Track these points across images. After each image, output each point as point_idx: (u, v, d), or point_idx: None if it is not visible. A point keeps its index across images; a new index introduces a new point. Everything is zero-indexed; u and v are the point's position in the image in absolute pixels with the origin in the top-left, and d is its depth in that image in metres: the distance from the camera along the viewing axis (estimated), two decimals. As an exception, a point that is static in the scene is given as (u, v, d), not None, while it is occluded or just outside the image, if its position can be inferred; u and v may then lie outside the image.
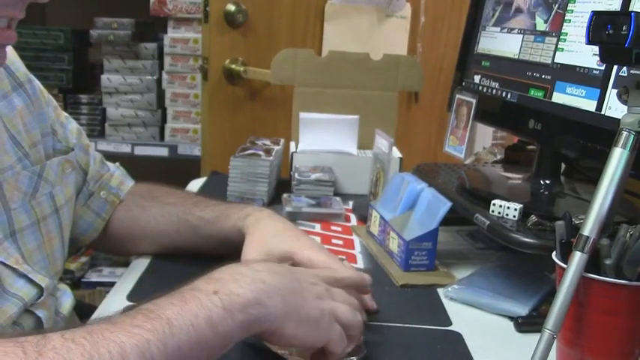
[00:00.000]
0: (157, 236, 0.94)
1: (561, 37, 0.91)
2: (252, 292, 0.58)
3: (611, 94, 0.81)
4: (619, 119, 0.62)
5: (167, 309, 0.53)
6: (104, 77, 2.21)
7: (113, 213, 0.94)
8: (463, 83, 1.15)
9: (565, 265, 0.60)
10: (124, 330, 0.50)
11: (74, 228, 0.90)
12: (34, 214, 0.76)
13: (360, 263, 0.98)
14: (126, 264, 1.01)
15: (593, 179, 0.85)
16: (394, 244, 0.96)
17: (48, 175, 0.79)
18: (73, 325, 0.87)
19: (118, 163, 0.99)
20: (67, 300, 0.84)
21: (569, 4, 0.90)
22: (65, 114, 0.90)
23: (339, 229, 1.13)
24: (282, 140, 1.37)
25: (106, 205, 0.93)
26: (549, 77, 0.92)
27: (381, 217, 1.02)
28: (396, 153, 1.31)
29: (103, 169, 0.95)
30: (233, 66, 1.85)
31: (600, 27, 0.62)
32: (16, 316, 0.71)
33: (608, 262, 0.59)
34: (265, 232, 0.83)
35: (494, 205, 0.89)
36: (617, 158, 0.61)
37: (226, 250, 0.89)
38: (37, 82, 0.84)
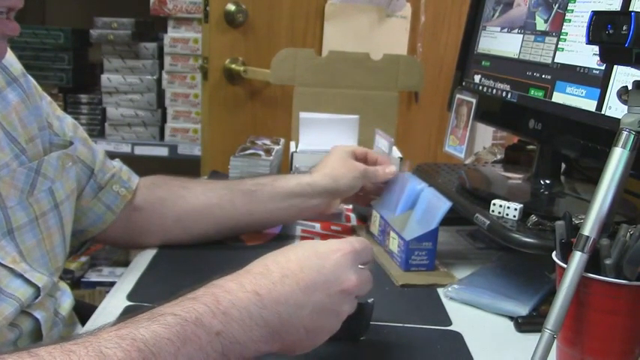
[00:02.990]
0: (209, 211, 0.96)
1: (561, 36, 0.91)
2: (256, 340, 0.56)
3: (612, 94, 0.81)
4: (619, 119, 0.62)
5: (164, 348, 0.50)
6: (104, 77, 2.21)
7: (132, 201, 0.94)
8: (463, 83, 1.15)
9: (565, 265, 0.60)
10: None
11: (82, 220, 0.90)
12: (32, 211, 0.76)
13: (360, 263, 0.98)
14: (126, 264, 1.01)
15: (593, 179, 0.85)
16: (394, 244, 0.96)
17: (46, 171, 0.79)
18: (73, 327, 0.87)
19: (118, 159, 0.99)
20: (66, 300, 0.84)
21: (569, 4, 0.90)
22: (60, 110, 0.90)
23: (339, 229, 1.12)
24: (282, 140, 1.37)
25: (117, 199, 0.93)
26: (549, 77, 0.92)
27: (381, 217, 1.02)
28: (396, 153, 1.31)
29: (108, 162, 0.95)
30: (233, 66, 1.85)
31: (600, 27, 0.62)
32: (12, 316, 0.70)
33: (608, 262, 0.59)
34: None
35: (494, 205, 0.89)
36: (617, 158, 0.61)
37: (285, 213, 0.99)
38: (30, 77, 0.83)
